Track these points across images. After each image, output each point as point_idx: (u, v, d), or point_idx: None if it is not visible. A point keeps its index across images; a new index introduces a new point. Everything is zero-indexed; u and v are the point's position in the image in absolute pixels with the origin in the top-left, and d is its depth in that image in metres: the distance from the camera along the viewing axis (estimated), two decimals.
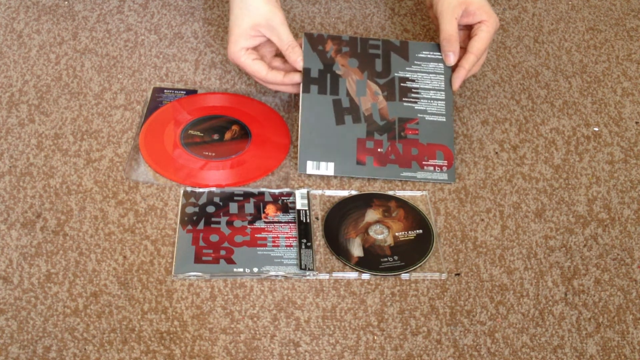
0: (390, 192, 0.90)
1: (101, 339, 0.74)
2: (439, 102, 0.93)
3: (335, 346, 0.75)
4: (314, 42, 0.94)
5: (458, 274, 0.82)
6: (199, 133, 0.94)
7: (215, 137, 0.94)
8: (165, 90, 1.00)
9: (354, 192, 0.89)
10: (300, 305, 0.78)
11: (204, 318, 0.76)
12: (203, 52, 1.06)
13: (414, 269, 0.82)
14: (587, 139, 1.00)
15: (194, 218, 0.84)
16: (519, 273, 0.83)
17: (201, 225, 0.84)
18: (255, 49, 0.93)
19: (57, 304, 0.76)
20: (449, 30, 0.92)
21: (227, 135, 0.94)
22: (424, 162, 0.90)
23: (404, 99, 0.92)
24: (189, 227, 0.83)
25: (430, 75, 0.94)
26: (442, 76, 0.94)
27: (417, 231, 0.85)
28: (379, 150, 0.90)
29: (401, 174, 0.90)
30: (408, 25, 1.14)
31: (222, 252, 0.81)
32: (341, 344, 0.75)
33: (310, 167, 0.89)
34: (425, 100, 0.93)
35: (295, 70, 0.93)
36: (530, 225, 0.88)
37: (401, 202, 0.88)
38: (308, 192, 0.89)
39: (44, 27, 1.08)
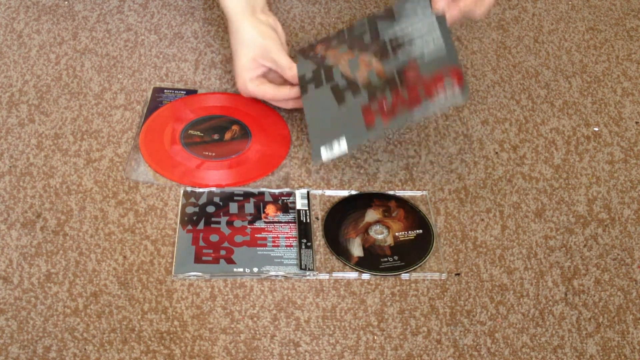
0: (391, 192, 0.90)
1: (101, 339, 0.74)
2: (435, 38, 0.87)
3: (335, 346, 0.75)
4: (305, 52, 0.95)
5: (458, 274, 0.82)
6: (199, 133, 0.94)
7: (215, 137, 0.94)
8: (165, 90, 1.00)
9: (354, 192, 0.89)
10: (300, 305, 0.78)
11: (204, 318, 0.76)
12: (203, 52, 1.06)
13: (414, 269, 0.82)
14: (587, 139, 1.00)
15: (194, 218, 0.84)
16: (519, 273, 0.83)
17: (201, 225, 0.84)
18: (263, 75, 0.94)
19: (57, 304, 0.76)
20: None
21: (227, 135, 0.94)
22: (433, 94, 0.85)
23: (398, 51, 0.89)
24: (189, 227, 0.83)
25: (421, 20, 0.89)
26: (434, 16, 0.88)
27: (417, 231, 0.85)
28: (384, 106, 0.86)
29: (413, 116, 0.85)
30: None
31: (222, 252, 0.81)
32: (341, 344, 0.75)
33: (324, 153, 0.87)
34: (419, 41, 0.88)
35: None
36: (530, 225, 0.88)
37: (401, 202, 0.88)
38: (308, 192, 0.89)
39: (44, 27, 1.08)
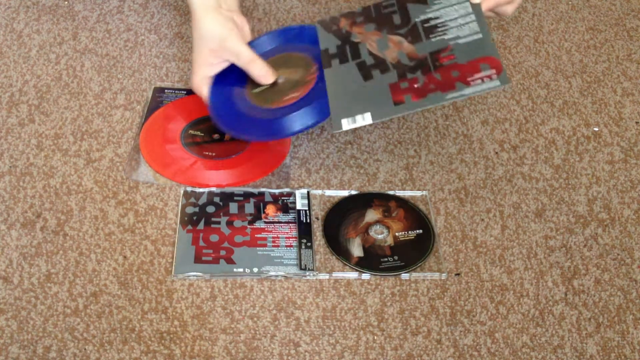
0: (391, 192, 0.90)
1: (101, 339, 0.74)
2: (470, 24, 0.85)
3: (335, 346, 0.75)
4: (327, 25, 0.92)
5: (458, 274, 0.82)
6: (199, 133, 0.94)
7: (216, 136, 0.94)
8: (166, 90, 1.00)
9: (354, 192, 0.89)
10: (300, 305, 0.78)
11: (204, 318, 0.76)
12: None
13: (414, 269, 0.82)
14: (587, 139, 1.00)
15: (194, 218, 0.84)
16: (519, 273, 0.83)
17: (201, 225, 0.84)
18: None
19: (57, 304, 0.76)
20: None
21: (228, 135, 0.94)
22: (469, 79, 0.82)
23: (430, 35, 0.86)
24: (189, 227, 0.83)
25: (454, 6, 0.87)
26: (467, 2, 0.86)
27: (417, 231, 0.85)
28: (415, 86, 0.83)
29: (446, 97, 0.81)
30: None
31: (222, 252, 0.81)
32: (341, 344, 0.75)
33: (346, 123, 0.83)
34: (454, 29, 0.86)
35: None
36: (530, 225, 0.88)
37: (401, 202, 0.88)
38: (308, 192, 0.89)
39: (44, 27, 1.08)
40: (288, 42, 0.94)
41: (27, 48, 1.05)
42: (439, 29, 0.86)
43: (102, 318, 0.75)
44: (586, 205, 0.91)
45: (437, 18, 0.87)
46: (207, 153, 0.91)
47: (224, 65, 0.89)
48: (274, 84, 0.89)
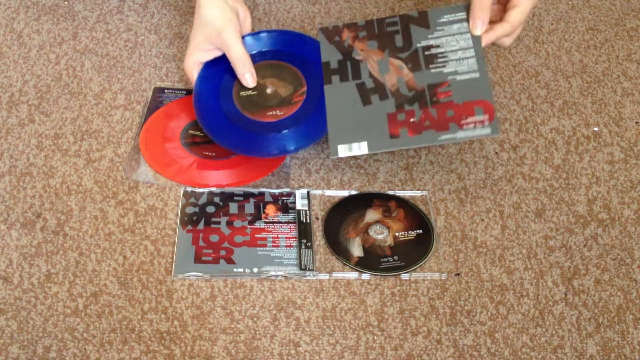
0: (391, 192, 0.90)
1: (101, 339, 0.74)
2: (469, 59, 0.86)
3: (335, 346, 0.75)
4: (329, 34, 0.91)
5: (458, 274, 0.82)
6: (199, 133, 0.94)
7: None
8: (166, 90, 1.00)
9: (354, 192, 0.89)
10: (300, 305, 0.78)
11: (204, 318, 0.76)
12: None
13: (414, 269, 0.82)
14: (587, 139, 1.00)
15: (194, 218, 0.84)
16: (519, 273, 0.83)
17: (201, 225, 0.84)
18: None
19: (57, 304, 0.76)
20: None
21: None
22: (462, 122, 0.84)
23: (430, 65, 0.87)
24: (189, 227, 0.83)
25: (456, 36, 0.88)
26: (469, 34, 0.87)
27: (417, 231, 0.85)
28: (411, 120, 0.85)
29: (440, 138, 0.84)
30: None
31: (222, 252, 0.81)
32: (341, 344, 0.75)
33: (342, 150, 0.85)
34: (453, 62, 0.87)
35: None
36: (530, 225, 0.88)
37: (401, 202, 0.88)
38: (308, 192, 0.89)
39: (44, 27, 1.08)
40: (288, 48, 0.94)
41: (27, 48, 1.05)
42: (439, 60, 0.87)
43: (102, 318, 0.75)
44: (586, 205, 0.91)
45: (438, 46, 0.88)
46: (207, 153, 0.91)
47: (216, 53, 0.90)
48: (262, 92, 0.89)
